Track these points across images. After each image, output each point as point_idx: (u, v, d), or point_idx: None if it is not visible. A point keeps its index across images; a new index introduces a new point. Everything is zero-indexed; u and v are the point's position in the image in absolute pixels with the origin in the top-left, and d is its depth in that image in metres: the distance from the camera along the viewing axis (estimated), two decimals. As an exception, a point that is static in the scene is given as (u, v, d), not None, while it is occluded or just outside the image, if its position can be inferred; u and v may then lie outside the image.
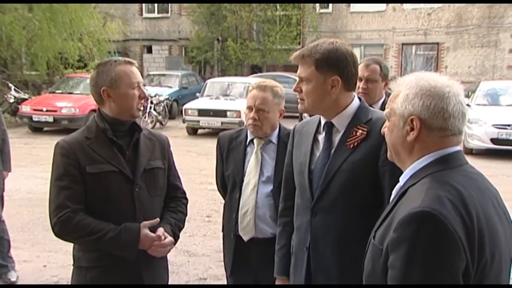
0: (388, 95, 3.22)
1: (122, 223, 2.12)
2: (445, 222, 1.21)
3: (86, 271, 2.18)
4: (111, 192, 2.13)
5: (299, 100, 2.01)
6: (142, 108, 2.24)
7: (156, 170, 2.28)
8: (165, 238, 2.18)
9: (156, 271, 2.29)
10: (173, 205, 2.38)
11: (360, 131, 1.93)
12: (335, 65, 1.92)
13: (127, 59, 2.23)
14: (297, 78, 2.02)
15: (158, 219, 2.23)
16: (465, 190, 1.30)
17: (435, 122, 1.36)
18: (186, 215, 2.43)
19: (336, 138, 1.98)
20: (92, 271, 2.16)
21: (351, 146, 1.93)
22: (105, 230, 2.07)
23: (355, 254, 1.87)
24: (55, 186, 2.11)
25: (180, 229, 2.36)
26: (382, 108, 3.18)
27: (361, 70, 3.27)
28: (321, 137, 2.04)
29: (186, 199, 2.47)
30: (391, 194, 1.83)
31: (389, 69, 3.48)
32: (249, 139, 2.74)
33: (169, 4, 24.98)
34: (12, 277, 4.28)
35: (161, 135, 2.44)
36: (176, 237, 2.29)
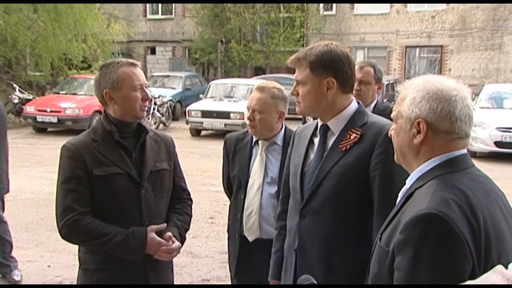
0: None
1: (128, 225, 2.12)
2: (451, 225, 1.22)
3: (92, 273, 2.18)
4: (118, 194, 2.12)
5: (296, 102, 2.03)
6: (146, 109, 2.22)
7: (162, 171, 2.28)
8: (173, 243, 2.18)
9: (162, 273, 2.29)
10: (178, 206, 2.38)
11: (354, 134, 1.93)
12: (330, 67, 1.92)
13: (130, 60, 2.21)
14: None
15: (165, 224, 2.22)
16: (472, 193, 1.30)
17: (442, 125, 1.36)
18: (191, 216, 2.44)
19: (330, 141, 1.98)
20: (98, 273, 2.16)
21: (343, 149, 1.92)
22: (112, 234, 2.07)
23: (342, 258, 1.87)
24: (62, 189, 2.11)
25: (186, 230, 2.36)
26: (374, 111, 3.21)
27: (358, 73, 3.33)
28: (316, 140, 2.04)
29: (191, 200, 2.48)
30: (381, 198, 1.82)
31: (382, 73, 3.54)
32: (254, 140, 2.76)
33: (173, 5, 25.04)
34: (16, 276, 4.29)
35: (166, 136, 2.43)
36: (183, 240, 2.30)
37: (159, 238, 2.14)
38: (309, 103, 1.97)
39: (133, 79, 2.14)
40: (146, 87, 2.21)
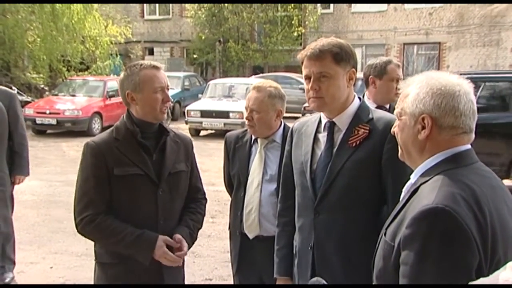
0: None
1: (143, 223, 2.19)
2: (458, 219, 1.22)
3: (107, 267, 2.24)
4: (135, 194, 2.18)
5: (313, 98, 1.96)
6: (166, 111, 2.27)
7: (180, 173, 2.33)
8: (181, 249, 2.23)
9: (175, 270, 2.33)
10: (193, 206, 2.44)
11: (362, 130, 1.94)
12: (352, 58, 1.96)
13: (153, 63, 2.26)
14: (300, 78, 2.03)
15: (178, 244, 2.23)
16: (478, 188, 1.30)
17: (446, 120, 1.37)
18: (204, 215, 2.50)
19: (338, 137, 1.99)
20: (113, 268, 2.22)
21: (354, 145, 1.94)
22: (123, 234, 2.13)
23: (360, 252, 1.89)
24: (81, 186, 2.19)
25: (198, 229, 2.43)
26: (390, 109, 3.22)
27: (395, 71, 3.27)
28: (322, 136, 2.04)
29: (206, 199, 2.54)
30: (394, 192, 1.84)
31: None
32: (253, 138, 2.77)
33: (171, 5, 25.02)
34: (7, 278, 4.18)
35: (186, 137, 2.49)
36: (193, 239, 2.37)
37: (165, 250, 2.19)
38: (335, 96, 1.95)
39: (154, 81, 2.19)
40: (167, 89, 2.26)
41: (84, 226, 2.15)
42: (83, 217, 2.15)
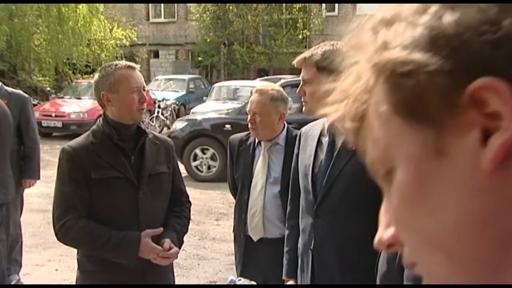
0: None
1: (124, 227, 2.13)
2: None
3: (91, 275, 2.20)
4: (115, 197, 2.14)
5: (303, 102, 2.05)
6: (144, 111, 2.22)
7: (161, 175, 2.28)
8: (170, 249, 2.17)
9: (162, 275, 2.29)
10: (177, 209, 2.37)
11: None
12: (336, 66, 1.95)
13: (128, 63, 2.22)
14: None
15: (162, 228, 2.21)
16: None
17: None
18: (189, 219, 2.45)
19: (339, 141, 1.99)
20: (97, 275, 2.18)
21: (354, 148, 1.94)
22: (106, 238, 2.07)
23: (358, 256, 1.89)
24: (59, 191, 2.14)
25: (184, 234, 2.37)
26: None
27: None
28: (325, 140, 2.06)
29: (190, 202, 2.48)
30: None
31: None
32: (257, 141, 2.78)
33: (176, 8, 25.10)
34: (13, 280, 4.18)
35: (166, 138, 2.45)
36: (181, 243, 2.30)
37: (152, 244, 2.13)
38: (315, 102, 1.98)
39: (130, 81, 2.14)
40: (144, 89, 2.20)
41: (66, 231, 2.08)
42: (64, 222, 2.07)
